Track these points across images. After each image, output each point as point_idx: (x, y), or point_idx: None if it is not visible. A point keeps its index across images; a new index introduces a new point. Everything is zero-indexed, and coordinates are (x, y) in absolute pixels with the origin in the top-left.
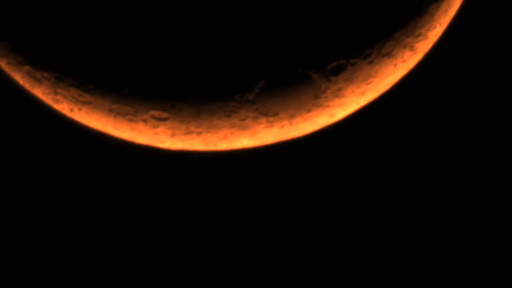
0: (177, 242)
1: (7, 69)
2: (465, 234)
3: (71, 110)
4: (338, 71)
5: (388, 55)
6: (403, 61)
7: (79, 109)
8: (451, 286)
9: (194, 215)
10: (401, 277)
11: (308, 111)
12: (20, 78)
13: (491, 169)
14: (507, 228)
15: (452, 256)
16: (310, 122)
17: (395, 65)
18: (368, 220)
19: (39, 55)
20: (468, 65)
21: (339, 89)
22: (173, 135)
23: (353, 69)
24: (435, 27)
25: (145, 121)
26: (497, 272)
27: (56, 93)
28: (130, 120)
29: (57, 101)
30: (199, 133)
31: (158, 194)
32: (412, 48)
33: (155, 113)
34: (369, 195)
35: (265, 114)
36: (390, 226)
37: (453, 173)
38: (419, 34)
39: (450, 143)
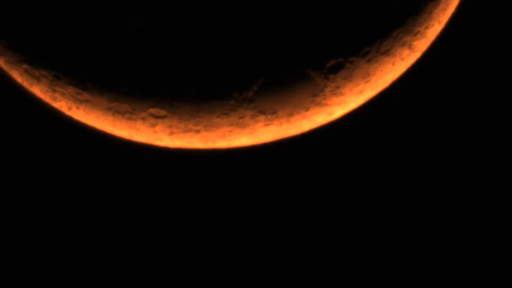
0: (176, 240)
1: (5, 67)
2: (465, 233)
3: (69, 108)
4: (336, 69)
5: (387, 53)
6: (402, 59)
7: (77, 107)
8: (451, 286)
9: (193, 213)
10: (400, 277)
11: (307, 109)
12: (18, 76)
13: (490, 168)
14: (507, 227)
15: (452, 256)
16: (308, 120)
17: (393, 63)
18: (367, 218)
19: (37, 54)
20: (467, 63)
21: (338, 87)
22: (171, 133)
23: (352, 68)
24: (433, 25)
25: (143, 119)
26: (496, 272)
27: (54, 91)
28: (129, 118)
29: (55, 99)
30: (197, 131)
31: (157, 192)
32: (410, 46)
33: (153, 111)
34: (368, 193)
35: (264, 113)
36: (389, 225)
37: (452, 172)
38: (418, 32)
39: (449, 142)
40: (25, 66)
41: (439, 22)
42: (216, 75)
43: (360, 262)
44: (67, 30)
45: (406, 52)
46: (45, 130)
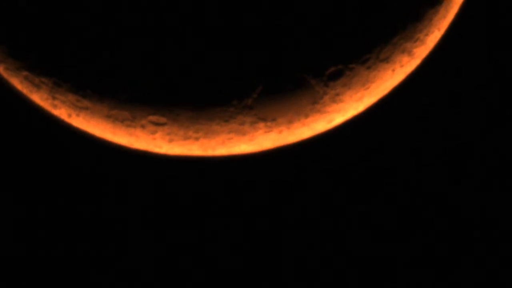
0: (175, 247)
1: (5, 74)
2: (466, 236)
3: (69, 115)
4: (336, 76)
5: (386, 60)
6: (401, 66)
7: (77, 115)
8: (452, 286)
9: (192, 221)
10: (402, 280)
11: (306, 116)
12: (18, 83)
13: (490, 173)
14: (508, 229)
15: (454, 258)
16: (308, 127)
17: (393, 70)
18: (366, 224)
19: (37, 60)
20: (466, 70)
21: (337, 95)
22: (171, 141)
23: (351, 75)
24: (433, 32)
25: (143, 126)
26: (497, 272)
27: (54, 98)
28: (128, 126)
29: (55, 107)
30: (197, 138)
31: (156, 199)
32: (410, 53)
33: (153, 118)
34: (367, 200)
35: (263, 120)
36: (389, 230)
37: (451, 179)
38: (417, 39)
39: (448, 148)
40: (25, 73)
41: (439, 29)
42: (215, 82)
43: (360, 267)
44: (66, 37)
45: (405, 59)
46: (45, 138)
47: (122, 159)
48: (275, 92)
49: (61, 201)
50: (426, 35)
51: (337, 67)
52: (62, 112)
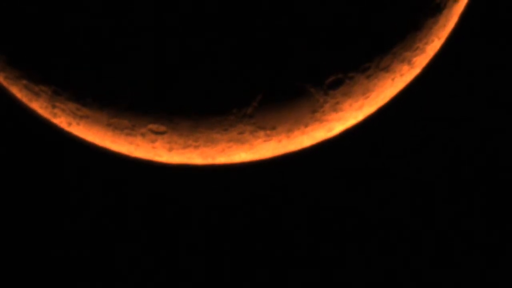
0: (175, 255)
1: (5, 83)
2: (466, 245)
3: (69, 124)
4: (336, 85)
5: (386, 69)
6: (401, 75)
7: (77, 123)
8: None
9: (192, 229)
10: (402, 280)
11: (306, 125)
12: (17, 92)
13: (490, 184)
14: (509, 235)
15: (454, 259)
16: (307, 136)
17: (392, 79)
18: (366, 233)
19: (36, 69)
20: (466, 78)
21: (337, 103)
22: (171, 149)
23: (351, 83)
24: (432, 41)
25: (143, 135)
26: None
27: (54, 106)
28: (128, 134)
29: (55, 115)
30: (197, 147)
31: (156, 208)
32: (409, 62)
33: (153, 126)
34: (367, 209)
35: (263, 128)
36: (388, 240)
37: (451, 187)
38: (417, 48)
39: (448, 157)
40: (24, 81)
41: (439, 38)
42: (215, 91)
43: (360, 275)
44: (66, 45)
45: (405, 68)
46: (44, 146)
47: (122, 167)
48: (275, 101)
49: (60, 209)
50: (426, 44)
51: (337, 76)
52: (62, 120)
